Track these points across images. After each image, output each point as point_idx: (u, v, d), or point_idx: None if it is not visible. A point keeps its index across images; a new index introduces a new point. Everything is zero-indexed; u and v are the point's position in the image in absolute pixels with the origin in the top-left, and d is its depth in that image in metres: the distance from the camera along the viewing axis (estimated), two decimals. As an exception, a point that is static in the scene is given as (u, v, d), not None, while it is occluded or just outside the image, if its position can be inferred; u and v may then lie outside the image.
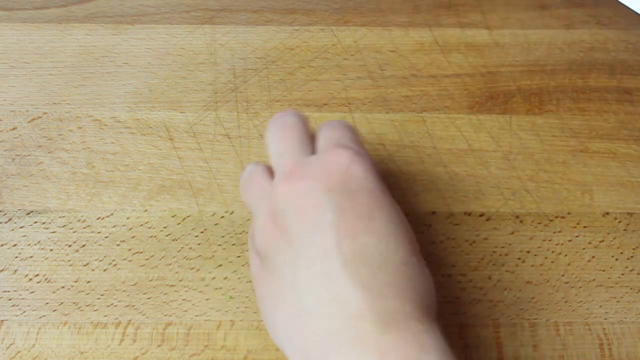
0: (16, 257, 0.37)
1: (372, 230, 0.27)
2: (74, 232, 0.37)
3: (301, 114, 0.33)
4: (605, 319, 0.36)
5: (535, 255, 0.37)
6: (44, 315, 0.35)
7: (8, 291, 0.36)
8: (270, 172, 0.32)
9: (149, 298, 0.36)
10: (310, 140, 0.32)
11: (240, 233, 0.37)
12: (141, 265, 0.36)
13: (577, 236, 0.38)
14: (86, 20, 0.44)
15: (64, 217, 0.38)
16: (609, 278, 0.37)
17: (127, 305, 0.35)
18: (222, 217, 0.38)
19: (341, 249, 0.26)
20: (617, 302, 0.36)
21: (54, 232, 0.37)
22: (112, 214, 0.38)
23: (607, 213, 0.39)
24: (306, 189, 0.28)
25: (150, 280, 0.36)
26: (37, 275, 0.36)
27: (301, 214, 0.28)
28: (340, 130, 0.32)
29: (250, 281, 0.36)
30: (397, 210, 0.29)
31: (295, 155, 0.30)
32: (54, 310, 0.35)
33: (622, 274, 0.37)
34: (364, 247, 0.27)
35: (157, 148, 0.40)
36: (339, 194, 0.28)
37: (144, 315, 0.35)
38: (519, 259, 0.37)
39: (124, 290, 0.36)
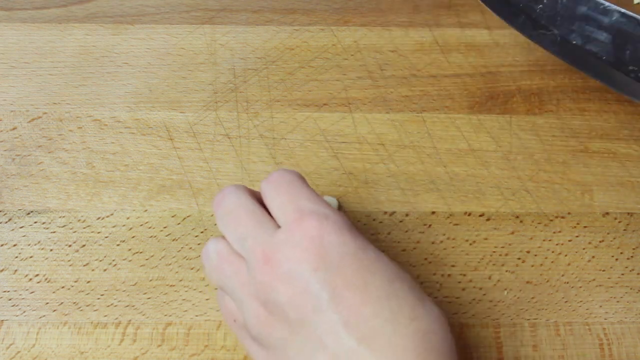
0: (16, 257, 0.37)
1: (371, 299, 0.27)
2: (74, 232, 0.37)
3: (238, 185, 0.32)
4: (605, 319, 0.36)
5: (535, 255, 0.37)
6: (44, 315, 0.35)
7: (8, 291, 0.36)
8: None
9: (149, 298, 0.36)
10: (264, 209, 0.31)
11: (240, 233, 0.37)
12: (141, 265, 0.36)
13: (577, 236, 0.38)
14: (86, 20, 0.44)
15: (64, 217, 0.38)
16: (609, 278, 0.37)
17: (127, 305, 0.35)
18: (222, 217, 0.38)
19: (349, 327, 0.26)
20: (617, 302, 0.36)
21: (54, 232, 0.37)
22: (112, 214, 0.38)
23: (607, 213, 0.39)
24: (289, 274, 0.27)
25: (150, 280, 0.36)
26: (37, 275, 0.36)
27: (294, 300, 0.27)
28: (286, 190, 0.30)
29: (250, 281, 0.36)
30: (383, 262, 0.29)
31: (259, 237, 0.29)
32: (54, 310, 0.35)
33: (622, 274, 0.37)
34: (370, 319, 0.27)
35: (157, 148, 0.40)
36: (324, 272, 0.27)
37: (144, 315, 0.35)
38: (519, 259, 0.37)
39: (124, 290, 0.36)
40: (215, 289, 0.36)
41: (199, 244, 0.37)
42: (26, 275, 0.36)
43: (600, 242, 0.38)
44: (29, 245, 0.37)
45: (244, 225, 0.30)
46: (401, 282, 0.28)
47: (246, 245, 0.29)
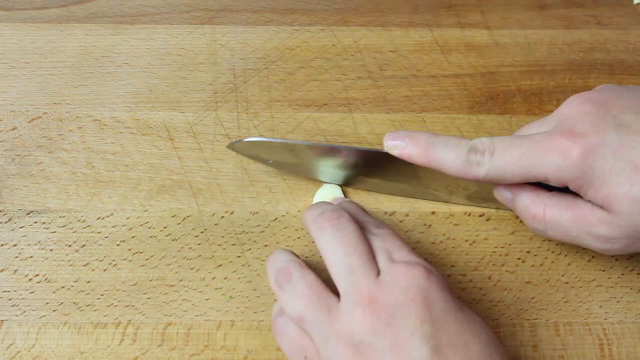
0: (16, 257, 0.37)
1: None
2: (74, 232, 0.37)
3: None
4: (605, 319, 0.36)
5: (535, 255, 0.37)
6: (44, 315, 0.35)
7: (8, 291, 0.36)
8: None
9: (149, 298, 0.36)
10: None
11: (240, 233, 0.37)
12: (141, 265, 0.36)
13: (577, 236, 0.38)
14: (86, 20, 0.44)
15: (64, 217, 0.38)
16: (609, 278, 0.37)
17: (127, 305, 0.35)
18: (222, 217, 0.38)
19: None
20: (617, 302, 0.36)
21: (54, 232, 0.37)
22: (112, 214, 0.38)
23: (607, 213, 0.39)
24: (395, 320, 0.27)
25: (150, 280, 0.36)
26: (37, 275, 0.36)
27: (395, 347, 0.27)
28: (390, 239, 0.31)
29: (250, 281, 0.36)
30: (479, 324, 0.29)
31: (368, 273, 0.29)
32: (54, 310, 0.35)
33: (622, 274, 0.37)
34: None
35: (157, 148, 0.40)
36: (430, 326, 0.27)
37: (144, 315, 0.35)
38: (519, 259, 0.37)
39: (124, 290, 0.36)
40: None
41: (199, 244, 0.37)
42: (26, 275, 0.36)
43: (600, 242, 0.38)
44: (29, 245, 0.37)
45: (357, 256, 0.29)
46: (496, 347, 0.29)
47: (352, 280, 0.29)
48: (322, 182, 0.39)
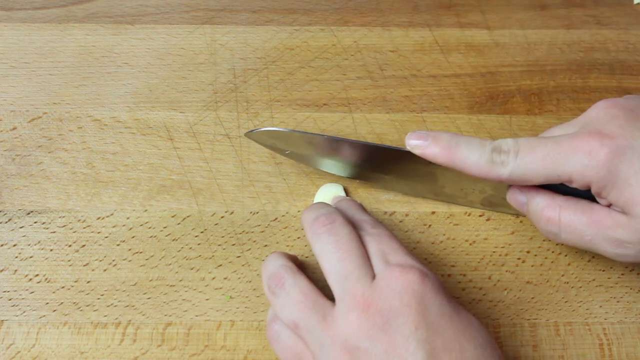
0: (16, 257, 0.37)
1: None
2: (74, 232, 0.37)
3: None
4: (605, 319, 0.36)
5: (535, 255, 0.37)
6: (44, 315, 0.35)
7: (8, 291, 0.36)
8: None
9: (149, 298, 0.36)
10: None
11: (240, 233, 0.37)
12: (141, 265, 0.36)
13: (577, 236, 0.38)
14: (86, 20, 0.44)
15: (64, 217, 0.38)
16: (609, 278, 0.37)
17: (127, 305, 0.35)
18: (222, 217, 0.38)
19: None
20: (617, 302, 0.36)
21: (54, 232, 0.37)
22: (112, 214, 0.38)
23: (607, 213, 0.39)
24: (389, 325, 0.28)
25: (150, 280, 0.36)
26: (37, 275, 0.36)
27: (389, 352, 0.27)
28: (386, 240, 0.31)
29: (250, 281, 0.36)
30: (475, 327, 0.29)
31: (362, 278, 0.29)
32: (54, 310, 0.35)
33: (622, 274, 0.37)
34: None
35: (157, 148, 0.40)
36: (425, 331, 0.27)
37: (144, 315, 0.35)
38: (519, 259, 0.37)
39: (124, 290, 0.36)
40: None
41: (199, 244, 0.37)
42: (26, 275, 0.36)
43: (600, 242, 0.38)
44: (29, 245, 0.37)
45: (351, 261, 0.29)
46: (492, 350, 0.29)
47: (346, 285, 0.29)
48: (323, 182, 0.39)
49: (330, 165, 0.38)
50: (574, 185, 0.32)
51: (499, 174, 0.32)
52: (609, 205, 0.31)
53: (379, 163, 0.37)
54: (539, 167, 0.31)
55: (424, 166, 0.35)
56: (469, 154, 0.32)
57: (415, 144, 0.34)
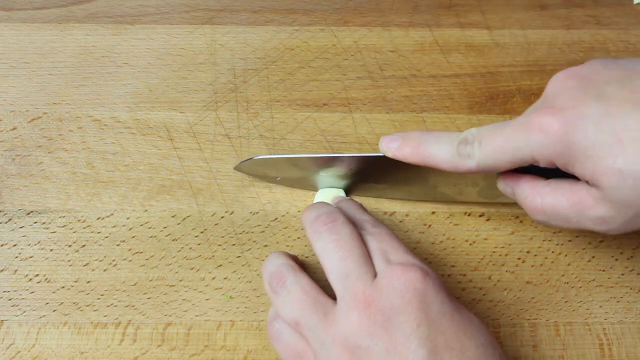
0: (16, 257, 0.37)
1: None
2: (74, 232, 0.37)
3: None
4: (605, 319, 0.36)
5: (535, 255, 0.37)
6: (44, 315, 0.35)
7: (8, 291, 0.36)
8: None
9: (149, 298, 0.36)
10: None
11: (240, 233, 0.37)
12: (141, 265, 0.36)
13: (577, 236, 0.38)
14: (86, 20, 0.44)
15: (64, 217, 0.38)
16: (609, 278, 0.37)
17: (127, 305, 0.35)
18: (222, 217, 0.38)
19: None
20: (617, 302, 0.36)
21: (54, 232, 0.37)
22: (112, 214, 0.38)
23: (607, 213, 0.39)
24: (390, 323, 0.27)
25: (150, 280, 0.36)
26: (37, 275, 0.36)
27: (390, 350, 0.27)
28: (387, 239, 0.31)
29: (250, 281, 0.36)
30: (476, 325, 0.29)
31: (363, 277, 0.29)
32: (54, 310, 0.35)
33: (622, 274, 0.37)
34: None
35: (157, 148, 0.40)
36: (426, 329, 0.27)
37: (144, 315, 0.35)
38: (519, 259, 0.37)
39: (124, 290, 0.36)
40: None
41: (199, 244, 0.37)
42: (26, 275, 0.36)
43: (600, 242, 0.38)
44: (29, 245, 0.37)
45: (352, 260, 0.29)
46: (493, 349, 0.28)
47: (347, 284, 0.29)
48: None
49: (323, 183, 0.38)
50: (542, 165, 0.30)
51: (468, 167, 0.31)
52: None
53: (368, 173, 0.36)
54: (502, 154, 0.30)
55: (410, 168, 0.35)
56: (438, 151, 0.32)
57: (386, 147, 0.34)
